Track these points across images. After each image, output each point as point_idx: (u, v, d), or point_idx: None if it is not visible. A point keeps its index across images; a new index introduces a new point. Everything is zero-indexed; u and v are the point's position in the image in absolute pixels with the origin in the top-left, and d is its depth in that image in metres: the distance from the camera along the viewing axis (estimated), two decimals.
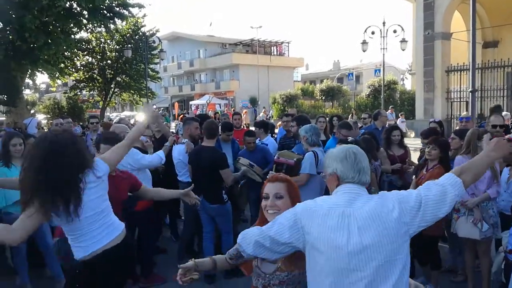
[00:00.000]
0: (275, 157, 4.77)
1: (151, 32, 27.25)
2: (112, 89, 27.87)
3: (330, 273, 1.88)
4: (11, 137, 4.46)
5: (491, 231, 4.14)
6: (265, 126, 6.76)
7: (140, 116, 3.45)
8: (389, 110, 20.15)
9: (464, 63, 16.24)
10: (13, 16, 14.16)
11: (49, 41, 15.08)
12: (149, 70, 26.41)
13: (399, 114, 20.95)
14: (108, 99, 28.10)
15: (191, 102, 44.62)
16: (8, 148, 4.37)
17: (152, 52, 26.96)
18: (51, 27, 15.34)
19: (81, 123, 18.15)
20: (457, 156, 4.40)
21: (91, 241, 2.56)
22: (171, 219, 6.56)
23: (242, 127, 7.76)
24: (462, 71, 16.60)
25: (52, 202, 2.32)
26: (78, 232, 2.54)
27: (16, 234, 2.31)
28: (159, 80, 30.71)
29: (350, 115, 22.57)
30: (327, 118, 7.45)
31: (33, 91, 42.77)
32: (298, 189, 2.39)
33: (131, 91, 28.06)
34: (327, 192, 2.48)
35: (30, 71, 17.43)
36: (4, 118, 17.88)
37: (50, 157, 2.35)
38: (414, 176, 4.70)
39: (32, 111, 25.97)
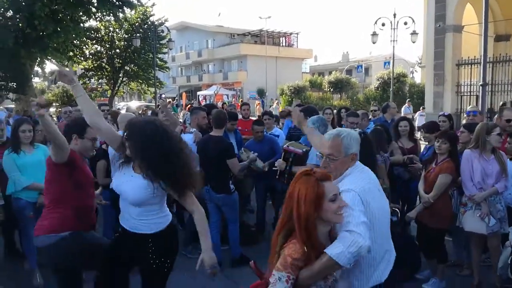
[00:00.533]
0: (285, 145, 4.75)
1: (159, 21, 27.19)
2: (121, 78, 27.92)
3: (384, 241, 2.34)
4: (21, 123, 4.49)
5: (498, 226, 4.11)
6: (275, 116, 6.78)
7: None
8: (406, 104, 19.50)
9: (475, 56, 16.04)
10: (23, 3, 14.21)
11: (58, 29, 15.12)
12: (157, 59, 26.39)
13: (420, 108, 20.05)
14: (117, 88, 28.17)
15: (198, 93, 44.60)
16: (18, 134, 4.41)
17: (161, 42, 26.90)
18: (60, 15, 15.37)
19: None
20: (465, 150, 4.36)
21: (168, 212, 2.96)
22: (177, 208, 6.59)
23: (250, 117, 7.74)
24: (473, 65, 16.40)
25: None
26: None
27: (199, 210, 2.83)
28: (167, 69, 30.69)
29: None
30: (335, 110, 7.42)
31: (42, 79, 43.06)
32: None
33: (139, 80, 28.11)
34: None
35: (39, 59, 17.52)
36: (13, 106, 18.02)
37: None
38: (423, 169, 4.65)
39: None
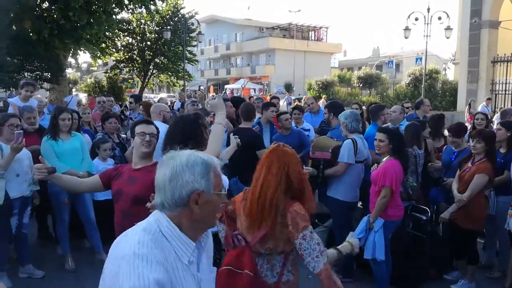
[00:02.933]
0: (310, 153, 4.68)
1: (190, 14, 27.39)
2: (151, 70, 28.30)
3: None
4: (61, 112, 4.61)
5: None
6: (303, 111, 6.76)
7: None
8: (484, 102, 16.86)
9: (511, 53, 15.55)
10: None
11: (92, 20, 15.43)
12: (186, 52, 26.61)
13: (497, 109, 16.43)
14: (147, 80, 28.57)
15: (226, 86, 44.77)
16: (57, 121, 4.53)
17: (190, 35, 27.11)
18: (94, 7, 15.67)
19: (119, 102, 18.53)
20: None
21: None
22: None
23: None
24: (510, 62, 15.90)
25: None
26: None
27: None
28: (196, 62, 30.89)
29: (468, 106, 17.29)
30: (364, 106, 7.35)
31: (75, 70, 44.17)
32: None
33: (169, 72, 28.42)
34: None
35: (72, 50, 17.94)
36: (48, 95, 18.53)
37: None
38: (458, 169, 4.52)
39: (74, 90, 26.72)
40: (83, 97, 22.59)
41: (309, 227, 2.27)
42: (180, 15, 27.04)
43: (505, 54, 16.13)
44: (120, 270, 1.27)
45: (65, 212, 4.65)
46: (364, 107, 7.78)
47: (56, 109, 4.74)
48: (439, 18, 20.56)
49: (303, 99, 29.68)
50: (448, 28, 20.46)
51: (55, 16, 15.17)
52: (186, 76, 26.82)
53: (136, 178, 2.75)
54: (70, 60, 21.59)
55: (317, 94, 31.10)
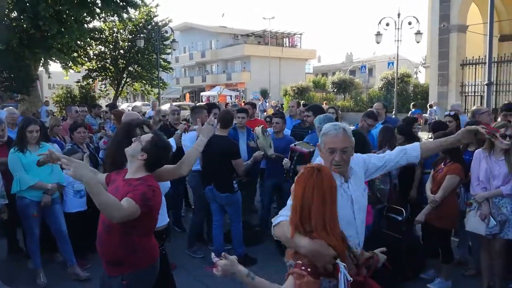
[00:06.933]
0: (292, 144, 4.69)
1: (163, 22, 27.21)
2: (124, 79, 27.93)
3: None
4: (28, 123, 4.48)
5: (497, 229, 3.95)
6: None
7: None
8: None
9: (479, 56, 16.01)
10: (28, 4, 14.27)
11: (62, 29, 15.18)
12: (160, 60, 26.39)
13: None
14: (120, 89, 28.18)
15: (202, 93, 44.66)
16: (25, 133, 4.41)
17: (164, 42, 26.92)
18: (64, 16, 15.41)
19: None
20: (477, 149, 4.25)
21: None
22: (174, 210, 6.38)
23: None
24: (478, 65, 16.36)
25: None
26: None
27: None
28: (171, 70, 30.65)
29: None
30: (339, 111, 7.42)
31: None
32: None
33: (143, 81, 28.11)
34: None
35: (43, 59, 17.58)
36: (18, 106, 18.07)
37: None
38: (432, 169, 4.58)
39: (45, 100, 26.10)
40: (53, 107, 22.13)
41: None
42: (153, 23, 26.84)
43: (473, 57, 16.59)
44: None
45: (34, 225, 4.50)
46: (339, 112, 7.85)
47: (24, 121, 4.60)
48: (409, 23, 21.06)
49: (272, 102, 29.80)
50: (418, 33, 20.96)
51: (24, 25, 14.84)
52: (161, 84, 26.59)
53: (118, 189, 2.59)
54: (41, 69, 21.14)
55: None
